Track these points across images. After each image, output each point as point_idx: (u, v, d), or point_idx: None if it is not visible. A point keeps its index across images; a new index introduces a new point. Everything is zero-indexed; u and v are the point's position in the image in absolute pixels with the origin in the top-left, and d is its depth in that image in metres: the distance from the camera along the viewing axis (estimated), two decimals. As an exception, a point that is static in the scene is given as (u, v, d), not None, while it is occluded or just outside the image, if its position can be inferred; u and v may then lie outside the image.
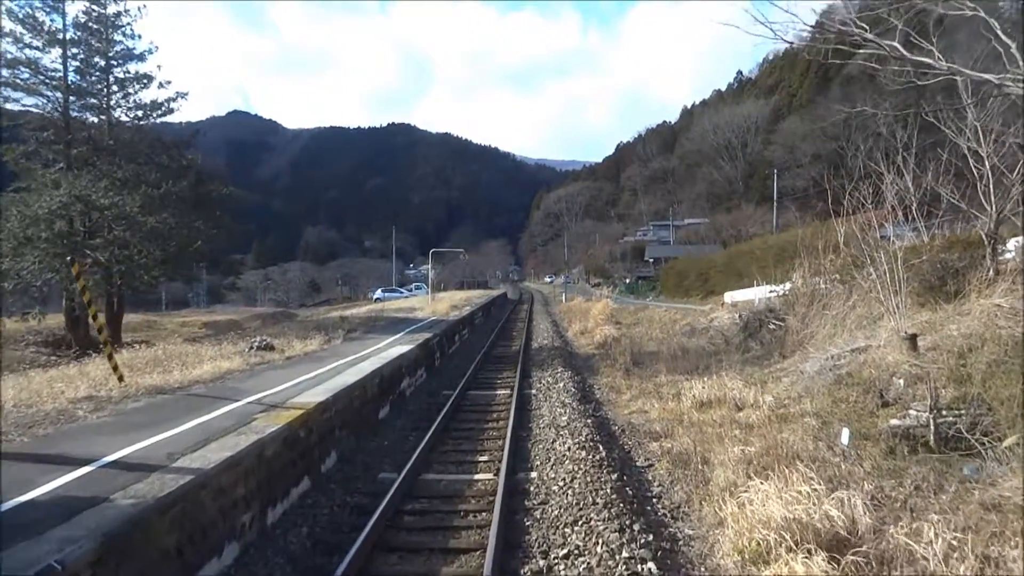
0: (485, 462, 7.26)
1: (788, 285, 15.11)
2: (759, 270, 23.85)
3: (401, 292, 49.69)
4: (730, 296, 20.08)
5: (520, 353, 15.63)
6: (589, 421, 8.50)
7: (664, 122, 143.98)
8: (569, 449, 7.28)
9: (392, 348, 11.99)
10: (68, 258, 7.34)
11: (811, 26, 9.28)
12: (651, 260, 62.53)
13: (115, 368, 7.49)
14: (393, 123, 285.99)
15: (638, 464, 7.20)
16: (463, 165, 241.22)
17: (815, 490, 5.14)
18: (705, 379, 11.68)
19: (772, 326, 14.69)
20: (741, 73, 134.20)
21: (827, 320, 12.36)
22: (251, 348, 11.13)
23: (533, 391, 11.32)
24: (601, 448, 7.30)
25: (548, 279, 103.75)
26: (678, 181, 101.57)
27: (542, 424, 8.69)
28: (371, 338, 13.79)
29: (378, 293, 49.82)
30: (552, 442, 7.77)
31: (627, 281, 56.19)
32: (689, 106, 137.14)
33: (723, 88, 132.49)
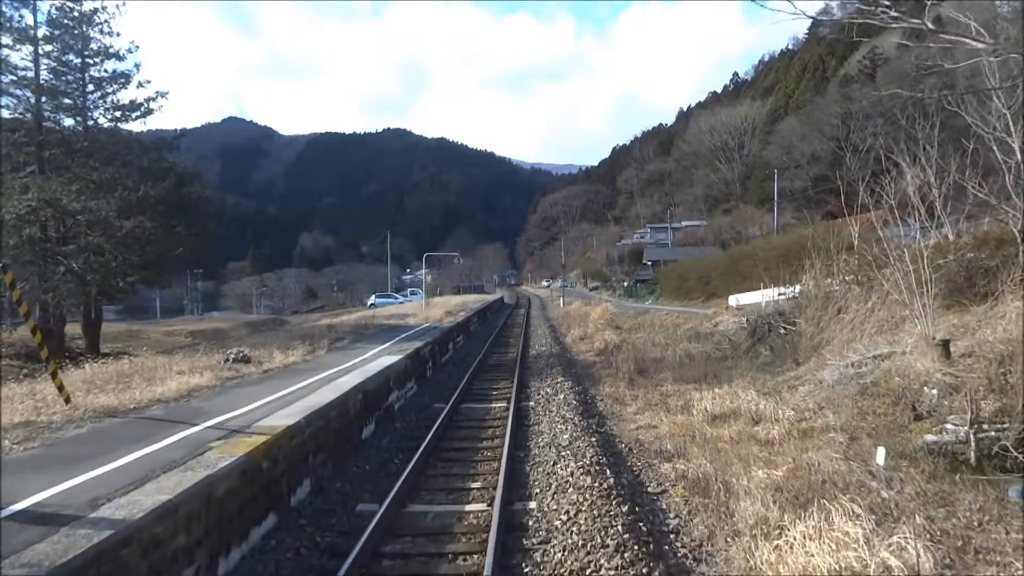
0: (478, 489, 6.46)
1: (798, 287, 14.36)
2: (763, 272, 23.14)
3: (396, 298, 48.84)
4: (734, 299, 19.35)
5: (517, 361, 14.84)
6: (593, 439, 7.70)
7: (660, 124, 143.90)
8: (572, 474, 6.48)
9: (379, 359, 11.18)
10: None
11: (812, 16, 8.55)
12: (649, 263, 61.80)
13: (60, 388, 6.67)
14: (389, 128, 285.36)
15: (650, 490, 6.41)
16: (459, 170, 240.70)
17: (864, 530, 4.37)
18: (715, 388, 10.91)
19: (782, 330, 13.93)
20: (737, 75, 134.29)
21: (844, 324, 11.61)
22: (227, 361, 10.31)
23: (531, 403, 10.53)
24: (608, 473, 6.50)
25: (545, 283, 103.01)
26: (675, 183, 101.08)
27: (541, 443, 7.89)
28: (358, 348, 12.97)
29: (372, 299, 48.92)
30: (553, 464, 6.97)
31: (625, 284, 55.44)
32: (685, 108, 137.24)
33: (719, 90, 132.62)
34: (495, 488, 6.13)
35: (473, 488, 6.50)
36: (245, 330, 25.95)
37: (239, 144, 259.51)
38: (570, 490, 6.03)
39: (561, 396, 10.50)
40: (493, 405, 10.62)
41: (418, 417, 9.76)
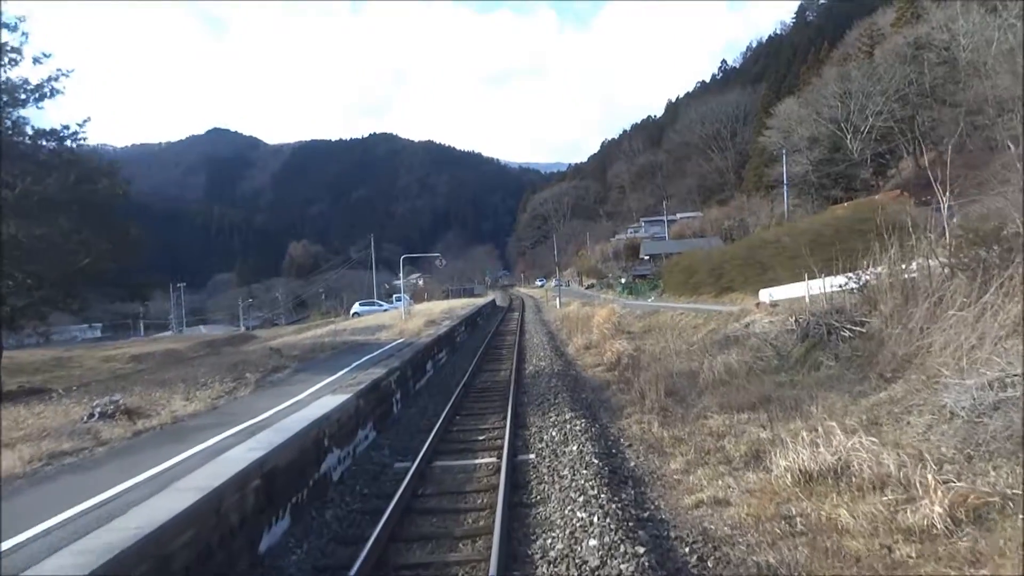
0: None
1: (863, 276, 11.30)
2: (788, 261, 20.17)
3: (381, 305, 45.55)
4: (767, 294, 16.31)
5: (510, 385, 11.70)
6: (640, 549, 4.55)
7: (649, 117, 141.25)
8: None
9: (319, 400, 8.03)
10: None
11: None
12: (647, 257, 58.91)
13: None
14: (375, 133, 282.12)
15: None
16: (447, 172, 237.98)
17: None
18: (789, 423, 7.86)
19: (846, 333, 10.89)
20: (726, 63, 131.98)
21: (948, 325, 8.59)
22: (89, 416, 7.13)
23: (531, 456, 7.43)
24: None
25: (539, 282, 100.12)
26: (667, 176, 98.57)
27: (553, 554, 4.76)
28: (298, 382, 9.79)
29: (356, 307, 45.63)
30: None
31: (623, 281, 52.42)
32: (674, 100, 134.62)
33: (707, 80, 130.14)
34: None
35: None
36: (200, 351, 22.65)
37: (224, 155, 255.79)
38: None
39: (574, 447, 7.37)
40: (478, 461, 7.51)
41: (365, 494, 6.60)
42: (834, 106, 56.38)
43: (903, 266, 10.65)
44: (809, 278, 18.45)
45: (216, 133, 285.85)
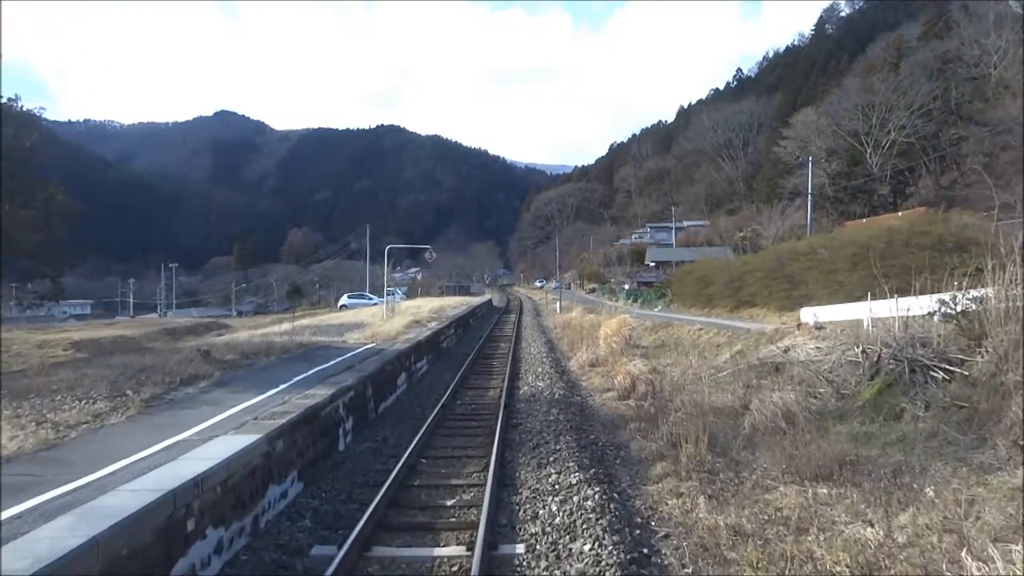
0: None
1: (964, 299, 8.71)
2: (825, 276, 17.65)
3: (371, 299, 42.95)
4: (810, 313, 13.69)
5: (499, 413, 9.12)
6: None
7: (660, 122, 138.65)
8: None
9: (211, 444, 5.46)
10: None
11: None
12: (653, 264, 56.39)
13: None
14: (382, 124, 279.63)
15: None
16: (452, 167, 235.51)
17: None
18: (895, 509, 5.34)
19: (938, 374, 8.34)
20: (741, 71, 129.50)
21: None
22: None
23: (518, 549, 4.86)
24: None
25: (538, 283, 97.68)
26: (675, 182, 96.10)
27: None
28: (208, 402, 7.19)
29: (344, 299, 43.01)
30: None
31: (626, 287, 49.80)
32: (686, 106, 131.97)
33: (721, 88, 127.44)
34: None
35: None
36: (158, 338, 20.08)
37: (231, 138, 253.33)
38: None
39: (585, 544, 4.78)
40: (437, 553, 4.93)
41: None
42: (855, 118, 54.01)
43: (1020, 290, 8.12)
44: (848, 297, 15.93)
45: (224, 115, 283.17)
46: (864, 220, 38.61)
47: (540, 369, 13.52)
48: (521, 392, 11.28)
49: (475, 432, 8.62)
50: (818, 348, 11.53)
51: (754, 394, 9.53)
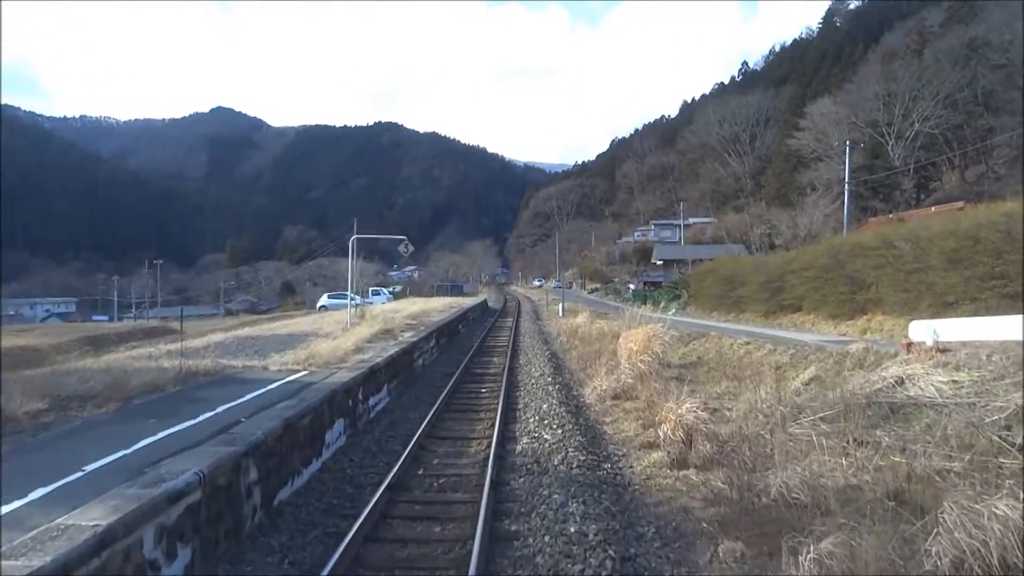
0: None
1: None
2: (904, 277, 13.99)
3: (355, 299, 39.22)
4: (927, 329, 9.49)
5: (480, 511, 5.38)
6: None
7: (662, 116, 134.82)
8: None
9: None
10: None
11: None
12: (660, 262, 52.74)
13: None
14: (380, 121, 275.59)
15: None
16: (451, 165, 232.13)
17: None
18: None
19: None
20: (747, 64, 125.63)
21: None
22: None
23: None
24: None
25: (537, 282, 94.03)
26: (679, 179, 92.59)
27: None
28: None
29: (324, 300, 39.28)
30: None
31: (632, 288, 46.08)
32: (689, 100, 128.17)
33: (725, 81, 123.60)
34: None
35: None
36: (73, 348, 16.36)
37: (227, 134, 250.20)
38: None
39: None
40: None
41: None
42: (876, 108, 50.45)
43: None
44: (937, 303, 12.17)
45: (220, 112, 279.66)
46: (891, 216, 34.97)
47: (545, 406, 9.69)
48: (519, 450, 7.56)
49: (441, 558, 4.84)
50: (955, 382, 7.85)
51: (856, 456, 5.77)
